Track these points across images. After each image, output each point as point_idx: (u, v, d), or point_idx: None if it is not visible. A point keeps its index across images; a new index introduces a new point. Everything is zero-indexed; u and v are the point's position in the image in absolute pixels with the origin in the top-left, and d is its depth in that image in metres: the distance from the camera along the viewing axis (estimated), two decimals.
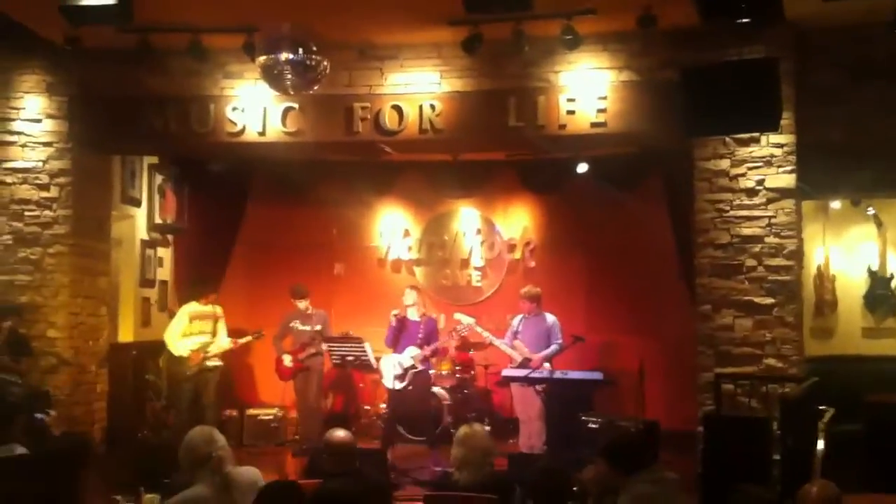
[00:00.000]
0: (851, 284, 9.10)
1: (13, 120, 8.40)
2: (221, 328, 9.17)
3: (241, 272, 10.83)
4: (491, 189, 10.86)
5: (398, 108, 8.09)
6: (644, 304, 9.91)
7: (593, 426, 7.70)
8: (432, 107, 8.04)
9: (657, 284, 9.75)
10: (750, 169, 7.47)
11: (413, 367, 8.59)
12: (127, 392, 9.38)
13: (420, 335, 8.60)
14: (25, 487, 4.89)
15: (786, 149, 7.40)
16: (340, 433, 5.07)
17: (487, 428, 5.99)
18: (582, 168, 9.71)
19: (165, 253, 10.78)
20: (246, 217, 10.88)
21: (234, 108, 8.28)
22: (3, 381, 7.36)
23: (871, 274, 9.02)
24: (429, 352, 8.64)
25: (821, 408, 5.55)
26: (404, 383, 8.62)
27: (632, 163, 9.45)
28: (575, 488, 4.81)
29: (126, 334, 9.91)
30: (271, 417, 9.89)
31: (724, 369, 7.38)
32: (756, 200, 7.46)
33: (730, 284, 7.48)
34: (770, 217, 7.43)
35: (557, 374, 7.95)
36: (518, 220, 11.04)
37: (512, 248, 11.01)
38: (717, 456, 6.47)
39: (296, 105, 8.19)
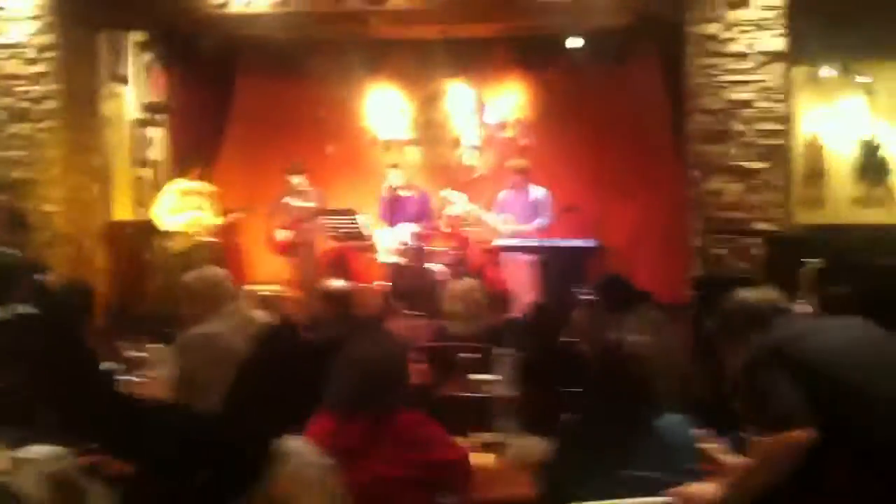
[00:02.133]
0: (842, 153, 9.13)
1: None
2: (211, 205, 9.23)
3: (234, 152, 10.81)
4: (483, 66, 10.76)
5: None
6: (638, 176, 9.96)
7: (585, 297, 7.82)
8: None
9: (651, 157, 9.78)
10: (741, 33, 7.43)
11: (410, 242, 8.69)
12: (125, 270, 9.49)
13: (415, 210, 8.69)
14: (33, 343, 5.00)
15: (777, 11, 7.36)
16: (336, 282, 5.22)
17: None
18: (575, 43, 9.65)
19: (157, 132, 10.75)
20: (237, 95, 10.82)
21: None
22: (3, 251, 7.45)
23: (863, 142, 9.05)
24: (423, 227, 8.74)
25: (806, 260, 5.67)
26: (401, 258, 8.74)
27: (626, 35, 9.38)
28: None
29: (121, 213, 9.96)
30: (272, 294, 9.99)
31: (714, 235, 7.51)
32: (746, 65, 7.45)
33: (720, 149, 7.53)
34: (760, 81, 7.43)
35: (548, 243, 8.07)
36: (511, 98, 10.99)
37: (505, 125, 11.00)
38: (706, 317, 6.63)
39: None
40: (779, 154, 7.45)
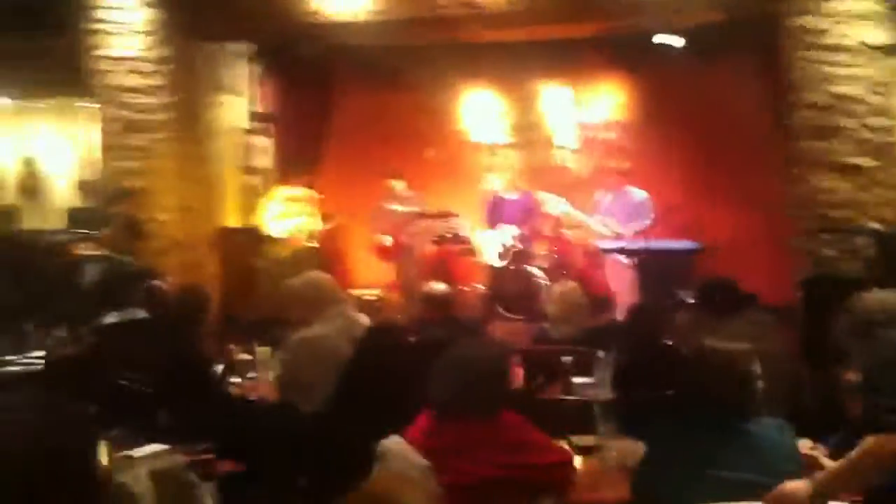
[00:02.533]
0: None
1: (112, 8, 8.59)
2: (315, 211, 9.43)
3: (336, 158, 11.03)
4: (579, 68, 10.70)
5: None
6: (740, 176, 9.75)
7: (688, 300, 7.72)
8: None
9: (753, 156, 9.57)
10: (843, 24, 7.19)
11: (514, 244, 8.72)
12: (236, 276, 9.78)
13: (519, 212, 8.71)
14: (148, 346, 5.22)
15: (889, 3, 7.12)
16: (438, 285, 5.29)
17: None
18: (670, 40, 9.51)
19: (265, 141, 11.05)
20: (337, 105, 11.02)
21: None
22: (120, 259, 7.78)
23: None
24: (528, 229, 8.75)
25: None
26: (504, 261, 8.78)
27: (724, 30, 9.19)
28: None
29: (232, 221, 10.27)
30: (374, 297, 10.18)
31: (823, 235, 7.29)
32: (853, 58, 7.21)
33: (825, 146, 7.31)
34: (868, 75, 7.19)
35: (650, 245, 7.99)
36: (608, 99, 10.92)
37: (602, 126, 10.93)
38: (818, 321, 6.47)
39: None
40: (890, 151, 7.20)
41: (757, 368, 3.07)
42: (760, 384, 3.06)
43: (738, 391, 3.01)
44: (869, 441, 2.73)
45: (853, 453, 2.75)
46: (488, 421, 3.18)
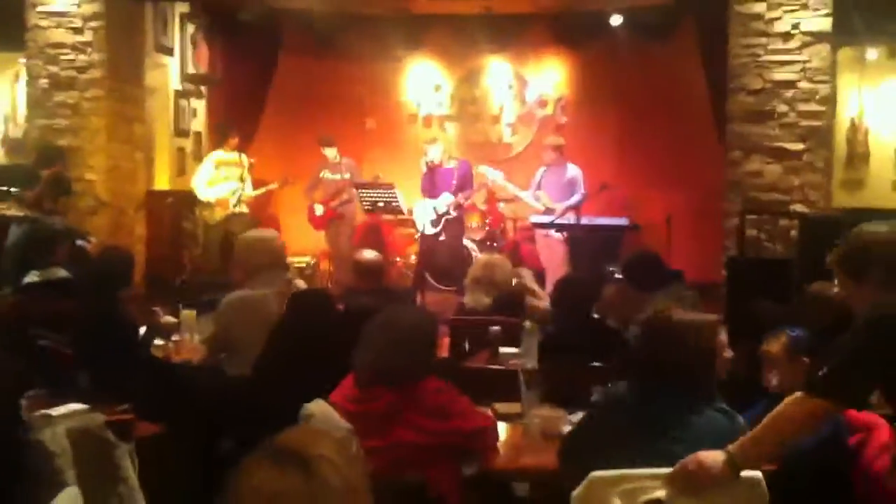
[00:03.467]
0: (885, 137, 9.00)
1: None
2: (247, 176, 9.31)
3: (274, 125, 10.91)
4: (523, 43, 10.75)
5: None
6: (675, 156, 9.91)
7: (619, 276, 7.80)
8: None
9: (689, 136, 9.71)
10: (786, 12, 7.32)
11: (447, 213, 8.73)
12: (164, 238, 9.63)
13: (454, 181, 8.71)
14: (70, 308, 5.10)
15: None
16: (369, 253, 5.25)
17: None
18: (615, 20, 9.59)
19: (199, 104, 10.87)
20: (278, 69, 10.88)
21: None
22: (45, 218, 7.59)
23: None
24: (462, 198, 8.76)
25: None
26: (437, 229, 8.78)
27: (666, 12, 9.30)
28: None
29: (162, 183, 10.09)
30: (304, 265, 10.11)
31: (752, 217, 7.42)
32: (790, 45, 7.34)
33: (761, 130, 7.44)
34: (804, 62, 7.33)
35: (582, 221, 8.05)
36: (550, 75, 10.99)
37: (543, 103, 10.99)
38: (740, 299, 6.60)
39: None
40: (820, 136, 7.35)
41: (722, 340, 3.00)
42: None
43: (702, 364, 2.93)
44: (787, 401, 2.73)
45: (769, 415, 2.74)
46: (412, 387, 3.17)
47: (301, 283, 4.88)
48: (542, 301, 5.42)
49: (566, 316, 4.66)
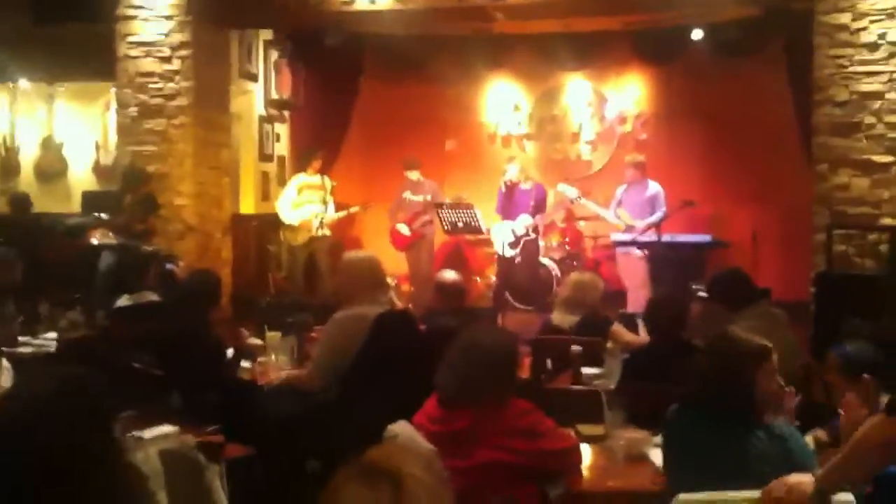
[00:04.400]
0: None
1: None
2: (329, 199, 9.44)
3: (355, 147, 11.08)
4: (603, 60, 10.70)
5: None
6: (760, 171, 9.74)
7: (703, 295, 7.67)
8: None
9: (774, 151, 9.54)
10: (872, 22, 7.15)
11: (526, 234, 8.73)
12: (250, 261, 9.85)
13: (531, 203, 8.71)
14: (160, 330, 5.24)
15: None
16: (450, 274, 5.28)
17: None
18: (697, 35, 9.47)
19: (283, 129, 11.09)
20: (360, 93, 11.05)
21: None
22: (135, 243, 7.83)
23: None
24: (540, 220, 8.76)
25: None
26: (516, 251, 8.78)
27: (750, 26, 9.15)
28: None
29: (247, 207, 10.32)
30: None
31: (839, 231, 7.24)
32: (877, 55, 7.16)
33: (848, 143, 7.26)
34: (891, 72, 7.12)
35: (664, 239, 7.95)
36: (630, 92, 10.92)
37: (623, 120, 10.92)
38: (829, 316, 6.44)
39: None
40: None
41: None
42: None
43: (747, 380, 2.92)
44: (869, 423, 2.65)
45: (853, 438, 2.67)
46: (495, 408, 3.17)
47: (399, 306, 4.94)
48: (629, 335, 5.36)
49: (658, 336, 4.58)
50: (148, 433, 3.49)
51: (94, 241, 7.99)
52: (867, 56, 7.20)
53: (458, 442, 3.11)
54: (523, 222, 8.74)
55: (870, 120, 7.20)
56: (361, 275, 4.50)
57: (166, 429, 3.58)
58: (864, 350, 3.56)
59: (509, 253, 8.78)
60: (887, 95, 7.16)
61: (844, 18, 7.25)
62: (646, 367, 4.33)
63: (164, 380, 4.61)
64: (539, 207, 8.85)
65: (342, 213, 9.62)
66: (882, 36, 7.14)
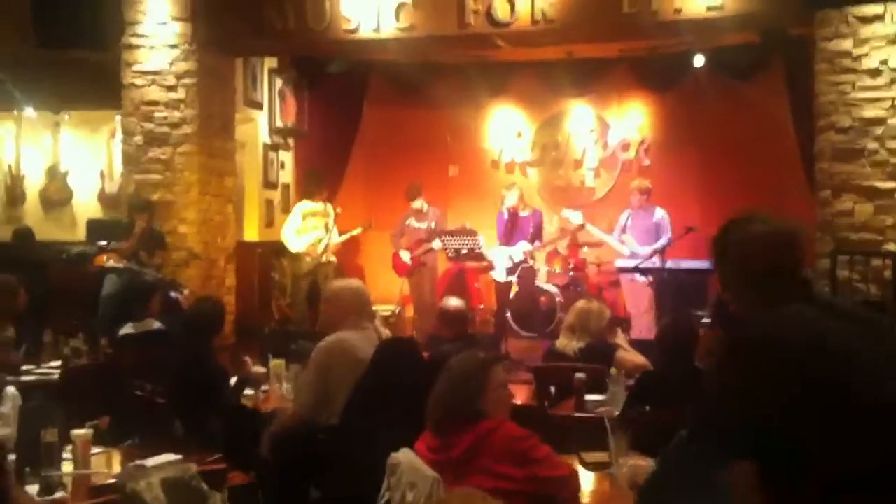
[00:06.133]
0: None
1: (140, 23, 8.71)
2: (332, 225, 9.47)
3: (359, 174, 11.14)
4: (605, 87, 10.76)
5: None
6: (763, 196, 9.67)
7: (707, 321, 7.66)
8: None
9: (777, 177, 9.53)
10: (873, 48, 7.17)
11: (524, 261, 8.74)
12: (254, 289, 9.85)
13: (531, 229, 8.73)
14: (163, 358, 5.25)
15: None
16: (454, 301, 5.28)
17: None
18: (699, 61, 9.51)
19: (287, 156, 11.14)
20: (363, 120, 11.11)
21: (349, 5, 8.38)
22: (139, 271, 7.85)
23: None
24: (538, 247, 8.78)
25: None
26: (513, 277, 8.80)
27: (752, 53, 9.20)
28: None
29: (251, 234, 10.35)
30: (389, 313, 10.20)
31: (843, 257, 7.23)
32: (879, 81, 7.18)
33: (850, 169, 7.27)
34: (894, 98, 7.14)
35: (669, 264, 7.96)
36: (633, 119, 10.95)
37: (626, 146, 10.95)
38: None
39: (408, 0, 8.27)
40: None
41: None
42: None
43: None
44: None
45: None
46: (479, 429, 3.17)
47: (386, 332, 4.92)
48: (634, 356, 5.35)
49: (668, 360, 4.56)
50: (151, 461, 3.48)
51: (100, 265, 8.02)
52: (869, 82, 7.22)
53: (454, 468, 3.13)
54: (522, 248, 8.76)
55: (872, 146, 7.22)
56: (346, 303, 4.50)
57: (169, 457, 3.57)
58: None
59: (507, 279, 8.80)
60: (890, 121, 7.17)
61: (846, 45, 7.28)
62: (654, 392, 4.32)
63: (166, 408, 4.62)
64: (537, 234, 8.88)
65: (345, 237, 9.66)
66: (884, 62, 7.16)
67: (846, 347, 1.95)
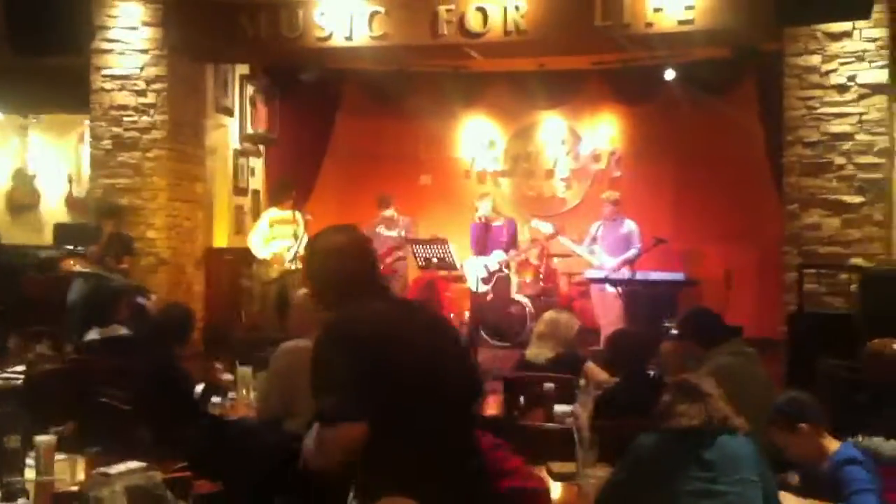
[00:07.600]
0: None
1: (110, 28, 8.64)
2: (302, 233, 9.40)
3: (331, 182, 11.08)
4: (577, 99, 10.80)
5: (482, 10, 8.06)
6: (732, 210, 9.82)
7: (675, 332, 7.68)
8: (517, 7, 8.00)
9: (747, 190, 9.63)
10: (841, 64, 7.27)
11: (499, 270, 8.74)
12: (222, 295, 9.77)
13: (503, 239, 8.74)
14: (129, 364, 5.19)
15: (878, 43, 7.16)
16: None
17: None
18: (670, 75, 9.59)
19: (257, 163, 11.08)
20: (335, 128, 11.07)
21: (322, 13, 8.39)
22: (106, 276, 7.76)
23: None
24: (513, 256, 8.78)
25: None
26: (488, 286, 8.79)
27: (722, 67, 9.28)
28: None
29: (220, 240, 10.27)
30: None
31: (810, 271, 7.30)
32: (847, 97, 7.28)
33: (818, 183, 7.35)
34: (861, 114, 7.25)
35: (638, 276, 8.00)
36: (604, 130, 11.01)
37: (597, 157, 11.00)
38: (801, 355, 6.48)
39: (382, 9, 8.27)
40: (879, 188, 7.24)
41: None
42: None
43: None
44: None
45: None
46: None
47: None
48: (603, 373, 5.37)
49: (622, 372, 4.60)
50: (114, 469, 3.43)
51: (67, 270, 7.92)
52: (837, 98, 7.31)
53: None
54: (497, 258, 8.77)
55: (840, 161, 7.31)
56: (310, 312, 4.48)
57: (133, 464, 3.52)
58: (794, 401, 3.58)
59: (482, 289, 8.79)
60: (857, 137, 7.27)
61: (814, 60, 7.37)
62: (615, 403, 4.33)
63: (132, 415, 4.56)
64: (511, 243, 8.89)
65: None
66: (851, 78, 7.26)
67: (397, 330, 2.57)
